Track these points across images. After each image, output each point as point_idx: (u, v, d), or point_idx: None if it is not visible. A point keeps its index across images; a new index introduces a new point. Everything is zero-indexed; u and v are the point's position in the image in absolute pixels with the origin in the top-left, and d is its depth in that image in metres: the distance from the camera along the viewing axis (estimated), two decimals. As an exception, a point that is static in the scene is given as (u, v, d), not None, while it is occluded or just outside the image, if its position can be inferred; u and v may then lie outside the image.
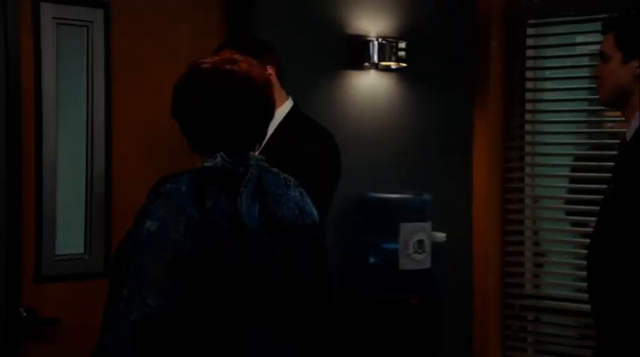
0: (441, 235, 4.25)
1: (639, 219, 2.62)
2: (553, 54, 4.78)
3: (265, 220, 2.02)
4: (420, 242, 4.05)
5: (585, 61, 4.60)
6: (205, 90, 2.13)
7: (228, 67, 2.13)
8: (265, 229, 2.01)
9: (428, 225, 4.11)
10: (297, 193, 2.10)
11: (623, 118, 4.32)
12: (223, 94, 2.11)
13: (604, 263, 2.73)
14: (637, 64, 2.75)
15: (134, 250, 2.00)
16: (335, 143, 3.25)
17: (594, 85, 4.50)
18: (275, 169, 2.13)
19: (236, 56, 2.18)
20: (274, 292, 2.02)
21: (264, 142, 2.56)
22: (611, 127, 4.55)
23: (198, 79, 2.17)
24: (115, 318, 1.95)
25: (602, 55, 2.83)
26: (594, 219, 3.03)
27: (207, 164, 2.13)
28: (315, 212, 2.12)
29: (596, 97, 4.49)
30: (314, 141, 3.21)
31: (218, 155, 2.10)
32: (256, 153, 2.18)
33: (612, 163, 2.86)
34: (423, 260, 4.05)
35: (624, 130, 4.28)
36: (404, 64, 4.27)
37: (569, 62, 4.78)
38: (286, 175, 2.15)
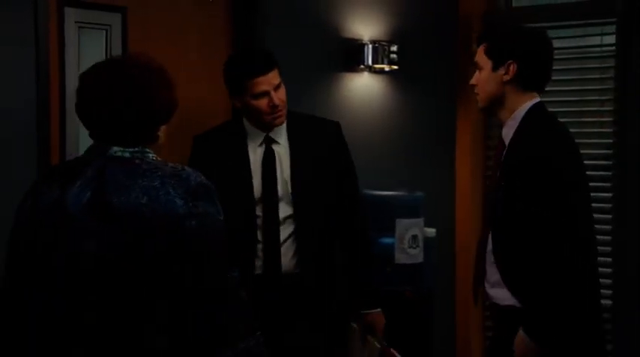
0: (431, 231, 4.43)
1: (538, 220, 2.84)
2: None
3: (95, 207, 2.05)
4: (414, 237, 4.23)
5: (561, 65, 4.81)
6: (81, 84, 2.19)
7: (108, 67, 2.17)
8: (93, 214, 2.05)
9: (421, 221, 4.29)
10: (156, 183, 2.06)
11: (605, 119, 4.62)
12: (89, 88, 2.15)
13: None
14: (503, 72, 2.94)
15: None
16: None
17: (571, 88, 4.79)
18: (139, 161, 2.12)
19: (136, 57, 2.21)
20: (104, 274, 2.04)
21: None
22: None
23: (86, 71, 2.22)
24: None
25: (476, 65, 3.03)
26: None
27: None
28: (180, 203, 2.05)
29: (573, 99, 4.79)
30: None
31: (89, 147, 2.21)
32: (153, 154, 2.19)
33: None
34: (416, 255, 4.23)
35: (607, 130, 4.57)
36: (395, 67, 4.47)
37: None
38: (159, 167, 2.11)
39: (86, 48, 3.44)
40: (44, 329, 2.07)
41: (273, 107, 3.27)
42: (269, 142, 3.37)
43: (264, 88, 3.25)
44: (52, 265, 2.07)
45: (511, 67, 2.93)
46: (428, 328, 4.36)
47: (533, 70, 2.97)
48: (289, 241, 3.36)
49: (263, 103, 3.27)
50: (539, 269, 2.83)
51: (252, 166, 3.35)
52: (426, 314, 4.35)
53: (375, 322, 3.56)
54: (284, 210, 3.35)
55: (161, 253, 2.04)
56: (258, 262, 3.35)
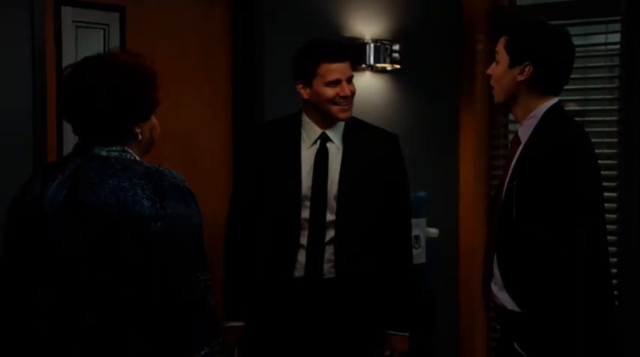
0: (434, 231, 4.40)
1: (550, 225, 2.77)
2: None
3: (69, 204, 2.05)
4: (417, 237, 4.20)
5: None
6: (64, 81, 2.17)
7: (86, 62, 2.16)
8: (67, 212, 2.05)
9: (423, 221, 4.26)
10: (126, 184, 2.04)
11: (611, 118, 4.58)
12: (66, 83, 2.14)
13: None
14: (518, 71, 2.87)
15: None
16: None
17: (575, 87, 4.75)
18: (114, 160, 2.09)
19: (117, 54, 2.19)
20: (75, 271, 2.04)
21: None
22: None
23: (67, 67, 2.21)
24: None
25: (495, 55, 2.96)
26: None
27: None
28: (147, 204, 2.02)
29: (577, 98, 4.75)
30: None
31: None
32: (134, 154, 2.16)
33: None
34: (419, 255, 4.20)
35: (613, 129, 4.53)
36: (398, 66, 4.43)
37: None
38: (131, 167, 2.08)
39: (84, 48, 3.41)
40: (34, 324, 2.09)
41: (343, 98, 3.20)
42: (324, 139, 3.28)
43: (337, 76, 3.19)
44: (36, 262, 2.08)
45: (527, 69, 2.86)
46: (431, 328, 4.33)
47: (550, 74, 2.89)
48: (329, 244, 3.23)
49: (333, 92, 3.19)
50: (552, 272, 2.76)
51: (302, 163, 3.26)
52: (429, 313, 4.32)
53: (395, 347, 3.36)
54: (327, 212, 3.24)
55: (128, 254, 2.02)
56: (299, 265, 3.24)
